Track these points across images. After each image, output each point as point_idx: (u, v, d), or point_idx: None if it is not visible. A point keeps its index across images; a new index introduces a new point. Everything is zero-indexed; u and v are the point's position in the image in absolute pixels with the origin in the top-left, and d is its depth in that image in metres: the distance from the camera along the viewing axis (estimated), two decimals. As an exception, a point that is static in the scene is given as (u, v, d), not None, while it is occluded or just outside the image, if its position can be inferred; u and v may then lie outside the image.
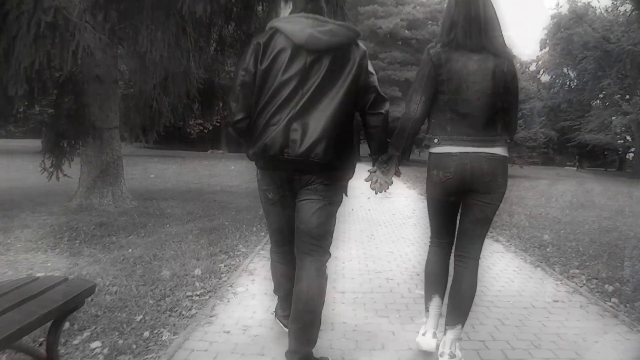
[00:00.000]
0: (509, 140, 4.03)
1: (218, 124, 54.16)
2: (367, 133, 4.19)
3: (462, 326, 4.24)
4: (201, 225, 10.57)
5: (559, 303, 6.33)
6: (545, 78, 78.31)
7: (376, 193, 4.45)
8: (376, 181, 4.34)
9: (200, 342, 4.73)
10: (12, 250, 7.98)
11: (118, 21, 10.64)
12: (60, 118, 12.62)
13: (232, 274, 7.02)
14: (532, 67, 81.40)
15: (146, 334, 4.88)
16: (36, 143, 14.27)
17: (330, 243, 4.18)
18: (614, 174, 58.03)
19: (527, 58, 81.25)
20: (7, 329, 2.91)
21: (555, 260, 8.67)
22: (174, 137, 49.51)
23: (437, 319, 4.50)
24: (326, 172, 3.98)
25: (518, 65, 65.87)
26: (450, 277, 4.45)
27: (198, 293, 6.13)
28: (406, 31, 57.06)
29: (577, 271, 7.90)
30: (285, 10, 4.75)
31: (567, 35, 63.70)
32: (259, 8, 13.82)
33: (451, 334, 4.22)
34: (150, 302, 5.74)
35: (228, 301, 5.93)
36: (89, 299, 5.12)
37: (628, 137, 61.33)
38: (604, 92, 60.64)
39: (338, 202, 4.21)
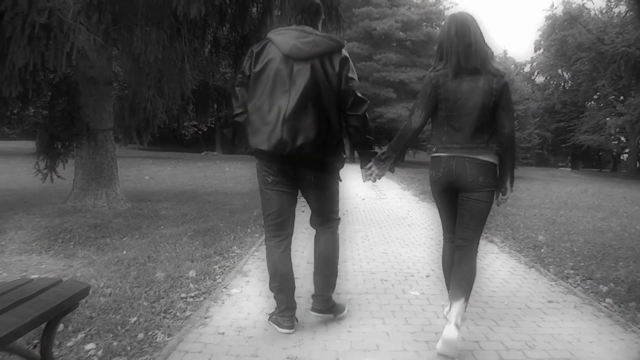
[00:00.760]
0: (496, 147, 4.67)
1: (212, 126, 54.23)
2: (347, 131, 4.93)
3: (465, 300, 4.67)
4: (195, 226, 10.57)
5: (554, 303, 6.34)
6: (539, 79, 78.63)
7: (364, 181, 5.11)
8: (371, 174, 4.96)
9: (194, 344, 4.72)
10: (6, 252, 7.97)
11: (112, 23, 10.63)
12: (55, 120, 12.59)
13: (227, 275, 7.02)
14: (527, 69, 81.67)
15: (140, 335, 4.87)
16: (30, 145, 14.26)
17: (338, 211, 5.16)
18: (609, 175, 58.17)
19: (522, 59, 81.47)
20: (1, 331, 2.91)
21: (549, 260, 8.68)
22: (168, 139, 49.57)
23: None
24: (317, 165, 4.80)
25: (512, 66, 66.00)
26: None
27: (192, 295, 6.13)
28: (401, 33, 57.10)
29: (571, 272, 7.91)
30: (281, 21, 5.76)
31: (561, 36, 63.93)
32: (254, 9, 13.84)
33: (456, 307, 4.62)
34: (145, 303, 5.74)
35: (222, 303, 5.92)
36: (83, 300, 5.11)
37: (622, 138, 61.48)
38: (598, 94, 60.89)
39: (335, 184, 5.06)
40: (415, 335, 5.08)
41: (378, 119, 50.72)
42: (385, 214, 14.22)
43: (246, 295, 6.22)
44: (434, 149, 4.81)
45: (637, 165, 60.62)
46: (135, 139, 14.39)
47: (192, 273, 6.88)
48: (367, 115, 4.90)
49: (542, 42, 72.08)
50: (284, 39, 4.65)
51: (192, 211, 12.84)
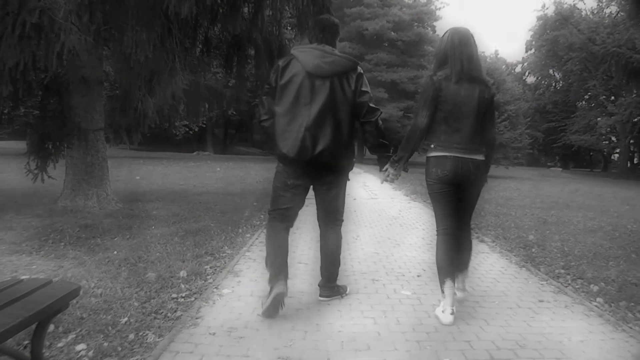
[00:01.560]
0: (484, 149, 5.46)
1: (204, 126, 54.13)
2: (364, 137, 5.68)
3: (467, 269, 6.04)
4: (187, 226, 10.54)
5: (544, 303, 6.35)
6: (530, 79, 78.77)
7: (381, 183, 5.95)
8: (388, 175, 5.69)
9: (185, 344, 4.71)
10: (-3, 252, 7.95)
11: (103, 22, 10.61)
12: (45, 119, 12.56)
13: (218, 275, 7.00)
14: (518, 69, 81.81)
15: (131, 336, 4.86)
16: (21, 145, 14.21)
17: (343, 213, 5.88)
18: (599, 175, 58.32)
19: (513, 60, 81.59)
20: (-9, 331, 2.89)
21: (540, 260, 8.69)
22: (159, 139, 49.41)
23: (452, 298, 5.51)
24: (332, 168, 5.58)
25: (504, 67, 66.10)
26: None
27: (183, 295, 6.11)
28: (392, 33, 57.15)
29: (562, 271, 7.93)
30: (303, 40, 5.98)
31: (552, 37, 64.05)
32: (245, 9, 13.82)
33: (461, 276, 5.99)
34: (135, 304, 5.72)
35: (214, 303, 5.91)
36: (74, 301, 5.09)
37: (613, 138, 61.65)
38: (589, 94, 61.03)
39: (344, 184, 5.85)
40: (407, 335, 5.08)
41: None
42: (376, 214, 14.22)
43: (237, 295, 6.21)
44: (432, 146, 5.40)
45: (628, 165, 60.82)
46: (126, 139, 14.35)
47: (183, 273, 6.87)
48: (380, 122, 5.60)
49: (533, 43, 72.17)
50: (308, 57, 5.37)
51: (183, 211, 12.80)
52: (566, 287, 7.11)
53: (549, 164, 75.14)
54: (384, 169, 5.72)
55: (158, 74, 11.91)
